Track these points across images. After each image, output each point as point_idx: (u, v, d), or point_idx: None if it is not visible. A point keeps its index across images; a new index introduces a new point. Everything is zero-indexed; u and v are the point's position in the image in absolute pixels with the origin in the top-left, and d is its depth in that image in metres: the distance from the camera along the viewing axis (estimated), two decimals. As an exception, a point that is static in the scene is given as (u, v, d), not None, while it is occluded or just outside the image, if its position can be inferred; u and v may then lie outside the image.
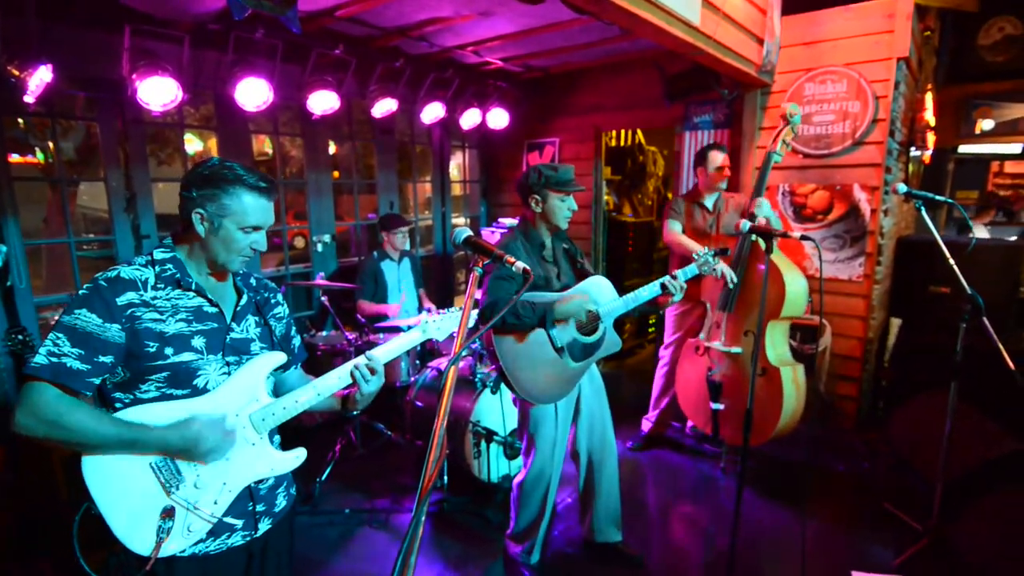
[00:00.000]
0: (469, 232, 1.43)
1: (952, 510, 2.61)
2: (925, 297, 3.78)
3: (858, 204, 3.66)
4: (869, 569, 2.32)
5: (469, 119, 4.67)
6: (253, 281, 1.52)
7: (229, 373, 1.35)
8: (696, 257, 2.42)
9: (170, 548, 1.26)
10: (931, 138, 4.42)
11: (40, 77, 2.54)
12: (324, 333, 3.95)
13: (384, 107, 4.02)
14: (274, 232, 1.90)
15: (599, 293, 2.37)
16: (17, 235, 2.97)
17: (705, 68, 3.54)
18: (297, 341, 1.61)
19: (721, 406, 3.12)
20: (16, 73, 2.50)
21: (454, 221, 5.71)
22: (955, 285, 2.33)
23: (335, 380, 1.43)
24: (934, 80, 4.94)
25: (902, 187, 2.48)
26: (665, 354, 3.66)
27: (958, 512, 2.61)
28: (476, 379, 3.13)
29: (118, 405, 1.28)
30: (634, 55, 4.30)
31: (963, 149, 5.95)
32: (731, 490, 3.22)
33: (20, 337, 2.76)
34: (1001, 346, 2.13)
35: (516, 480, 2.52)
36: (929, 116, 4.25)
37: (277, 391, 1.52)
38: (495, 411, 3.12)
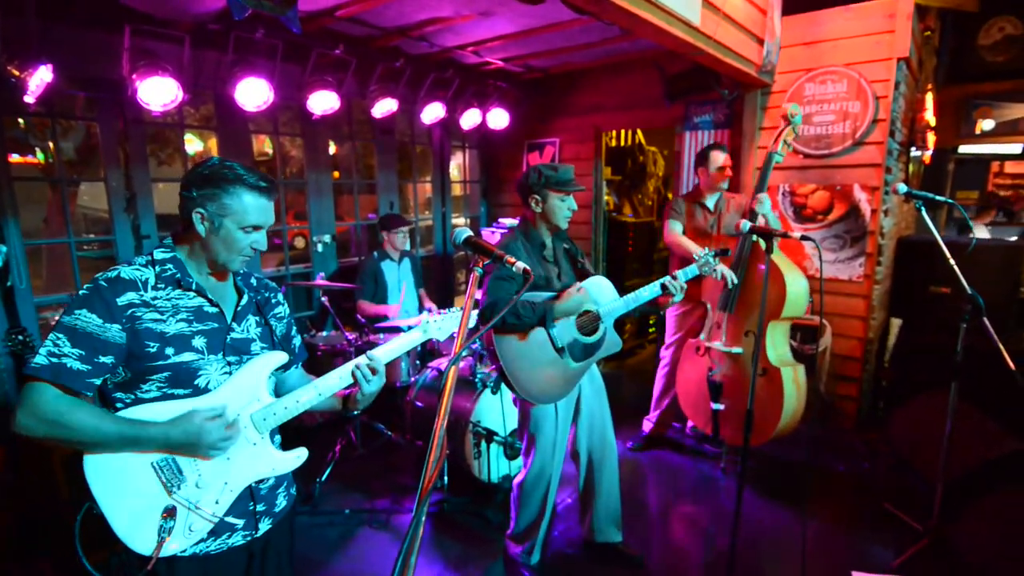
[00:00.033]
0: (469, 232, 1.43)
1: (952, 510, 2.61)
2: (925, 297, 3.78)
3: (858, 204, 3.66)
4: (869, 569, 2.32)
5: (469, 119, 4.67)
6: (254, 281, 1.52)
7: (230, 373, 1.35)
8: (697, 258, 2.43)
9: (171, 548, 1.27)
10: (931, 138, 4.42)
11: (40, 77, 2.55)
12: (324, 333, 3.95)
13: (384, 107, 4.02)
14: (274, 232, 1.90)
15: (600, 293, 2.37)
16: (17, 235, 2.97)
17: (705, 68, 3.54)
18: (298, 341, 1.61)
19: (721, 406, 3.12)
20: (16, 73, 2.51)
21: (454, 221, 5.71)
22: (955, 285, 2.33)
23: (336, 380, 1.43)
24: (934, 80, 4.94)
25: (902, 187, 2.48)
26: (666, 354, 3.66)
27: (958, 512, 2.61)
28: (476, 379, 3.13)
29: (119, 405, 1.28)
30: (634, 55, 4.31)
31: (963, 149, 5.95)
32: (731, 490, 3.22)
33: (20, 337, 2.76)
34: (1001, 346, 2.13)
35: (516, 480, 2.52)
36: (929, 116, 4.26)
37: (278, 391, 1.52)
38: (495, 411, 3.11)
